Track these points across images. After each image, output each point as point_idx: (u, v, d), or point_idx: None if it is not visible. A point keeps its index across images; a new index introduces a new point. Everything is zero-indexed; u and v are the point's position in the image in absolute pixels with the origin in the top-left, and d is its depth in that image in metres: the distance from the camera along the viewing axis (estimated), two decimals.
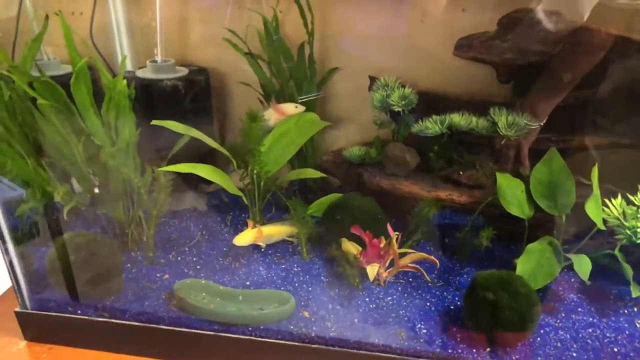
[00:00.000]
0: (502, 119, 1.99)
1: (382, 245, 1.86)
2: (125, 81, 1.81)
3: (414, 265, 1.88)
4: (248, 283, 1.87)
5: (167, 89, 2.04)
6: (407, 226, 2.07)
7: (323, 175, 2.16)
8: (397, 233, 1.83)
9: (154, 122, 1.91)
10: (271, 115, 2.16)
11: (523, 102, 1.95)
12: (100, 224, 2.00)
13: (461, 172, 2.07)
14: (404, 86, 2.19)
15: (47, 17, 1.80)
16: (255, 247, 1.99)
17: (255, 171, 2.01)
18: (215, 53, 2.31)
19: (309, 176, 2.17)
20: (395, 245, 1.84)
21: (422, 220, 2.01)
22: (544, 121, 1.95)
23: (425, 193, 2.04)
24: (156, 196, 1.89)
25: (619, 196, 1.79)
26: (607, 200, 1.78)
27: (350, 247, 1.91)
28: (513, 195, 1.91)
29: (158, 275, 1.88)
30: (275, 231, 2.02)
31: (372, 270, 1.83)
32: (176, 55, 2.29)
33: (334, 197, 2.13)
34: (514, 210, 1.89)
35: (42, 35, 1.80)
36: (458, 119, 2.04)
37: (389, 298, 1.81)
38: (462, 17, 2.10)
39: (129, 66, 2.22)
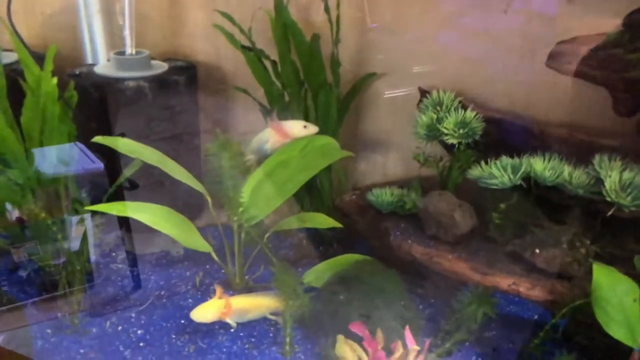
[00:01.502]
0: (613, 175, 1.26)
1: (396, 356, 1.21)
2: (54, 80, 1.30)
3: None
4: None
5: (126, 92, 1.50)
6: (444, 317, 1.40)
7: (336, 224, 1.52)
8: (416, 348, 1.16)
9: (96, 139, 1.38)
10: (270, 137, 1.56)
11: None
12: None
13: (537, 250, 1.35)
14: (465, 107, 1.50)
15: None
16: (223, 324, 1.41)
17: (233, 218, 1.43)
18: (213, 45, 1.73)
19: (316, 225, 1.55)
20: None
21: (466, 317, 1.32)
22: None
23: (477, 276, 1.35)
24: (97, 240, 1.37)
25: None
26: None
27: (348, 352, 1.27)
28: (618, 306, 1.17)
29: (82, 351, 1.36)
30: (252, 305, 1.43)
31: None
32: (166, 45, 1.75)
33: (344, 260, 1.51)
34: (617, 332, 1.15)
35: None
36: (541, 166, 1.34)
37: None
38: (567, 10, 1.36)
39: (101, 57, 1.70)
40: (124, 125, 1.51)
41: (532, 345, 1.31)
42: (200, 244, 1.39)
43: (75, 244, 1.40)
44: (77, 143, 1.40)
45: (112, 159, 1.47)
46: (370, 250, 1.67)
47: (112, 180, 1.48)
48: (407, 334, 1.19)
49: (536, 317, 1.50)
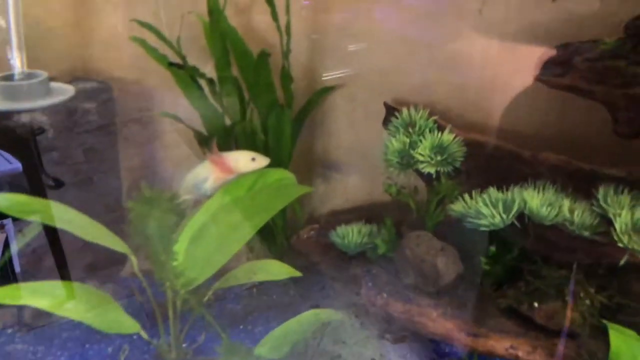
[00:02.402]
0: (624, 214, 1.07)
1: None
2: None
3: None
4: None
5: (17, 130, 1.16)
6: None
7: (295, 273, 1.25)
8: None
9: None
10: (209, 173, 1.26)
11: None
12: None
13: (536, 304, 1.14)
14: (441, 128, 1.27)
15: None
16: None
17: (165, 284, 1.14)
18: (133, 55, 1.40)
19: (271, 277, 1.28)
20: None
21: None
22: None
23: (468, 339, 1.12)
24: None
25: None
26: None
27: None
28: None
29: None
30: None
31: None
32: (72, 60, 1.40)
33: (307, 320, 1.24)
34: None
35: None
36: (537, 202, 1.13)
37: None
38: (552, 10, 1.14)
39: None
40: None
41: None
42: (125, 325, 1.09)
43: None
44: None
45: (28, 157, 1.15)
46: (336, 295, 1.43)
47: (31, 180, 1.16)
48: None
49: None
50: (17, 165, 1.13)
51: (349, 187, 1.69)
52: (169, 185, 1.22)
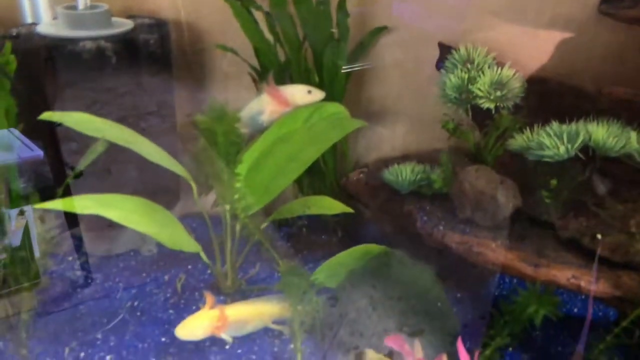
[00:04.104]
0: None
1: None
2: None
3: None
4: None
5: (83, 55, 1.17)
6: (485, 316, 1.17)
7: (347, 209, 1.26)
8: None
9: (44, 115, 1.07)
10: (266, 106, 1.27)
11: None
12: None
13: (599, 236, 1.11)
14: (500, 65, 1.25)
15: None
16: (215, 340, 1.14)
17: (225, 207, 1.15)
18: None
19: (324, 211, 1.29)
20: None
21: (517, 319, 1.09)
22: None
23: (529, 269, 1.11)
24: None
25: None
26: None
27: None
28: None
29: None
30: (252, 314, 1.16)
31: None
32: (125, 0, 1.41)
33: (360, 252, 1.24)
34: None
35: None
36: (601, 133, 1.10)
37: None
38: None
39: (44, 13, 1.36)
40: (80, 98, 1.19)
41: (596, 351, 1.09)
42: (187, 243, 1.11)
43: (15, 240, 1.10)
44: (12, 129, 1.10)
45: (51, 145, 1.17)
46: (383, 237, 1.43)
47: (53, 169, 1.19)
48: (460, 347, 0.95)
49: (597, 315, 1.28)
50: (38, 152, 1.15)
51: (397, 136, 1.68)
52: None
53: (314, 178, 1.50)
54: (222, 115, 1.01)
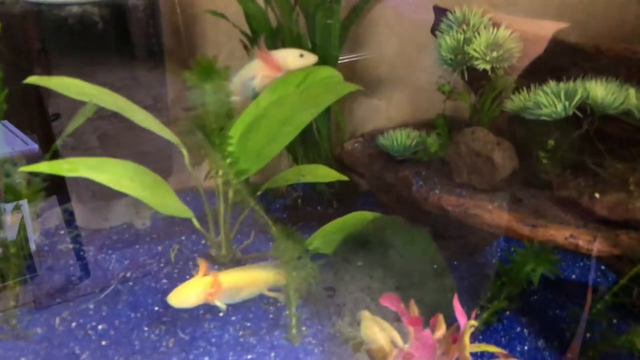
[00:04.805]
0: None
1: (438, 334, 0.96)
2: None
3: None
4: None
5: (68, 20, 1.14)
6: (482, 280, 1.17)
7: (342, 177, 1.24)
8: (472, 323, 0.91)
9: (30, 79, 1.04)
10: (257, 70, 1.25)
11: None
12: None
13: (597, 195, 1.10)
14: (496, 25, 1.22)
15: None
16: (209, 307, 1.13)
17: (218, 173, 1.13)
18: None
19: (318, 179, 1.27)
20: (467, 341, 0.93)
21: (515, 280, 1.08)
22: None
23: (526, 229, 1.10)
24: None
25: None
26: None
27: (376, 332, 1.01)
28: None
29: None
30: (246, 280, 1.15)
31: None
32: None
33: (355, 219, 1.23)
34: None
35: None
36: (600, 91, 1.08)
37: None
38: None
39: None
40: (66, 64, 1.17)
41: (595, 312, 1.08)
42: (178, 208, 1.09)
43: (12, 234, 1.09)
44: (6, 122, 1.07)
45: (45, 138, 1.15)
46: (379, 207, 1.41)
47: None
48: (457, 305, 0.93)
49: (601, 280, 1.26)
50: (33, 146, 1.13)
51: (392, 105, 1.66)
52: None
53: (309, 149, 1.47)
54: (210, 71, 0.98)
